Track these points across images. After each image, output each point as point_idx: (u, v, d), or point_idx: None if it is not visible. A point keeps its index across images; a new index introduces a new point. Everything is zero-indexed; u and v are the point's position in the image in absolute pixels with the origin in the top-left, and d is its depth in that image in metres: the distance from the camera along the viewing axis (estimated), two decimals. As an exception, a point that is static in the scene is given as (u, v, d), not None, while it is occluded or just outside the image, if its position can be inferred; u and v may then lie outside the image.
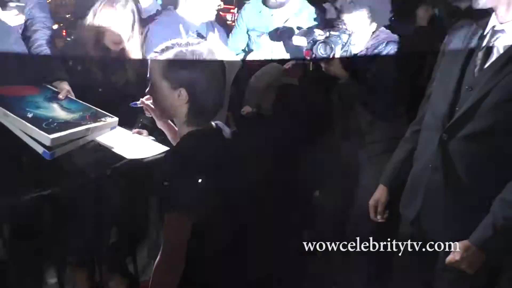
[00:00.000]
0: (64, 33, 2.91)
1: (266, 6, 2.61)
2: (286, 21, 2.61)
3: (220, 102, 1.34)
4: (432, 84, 1.69)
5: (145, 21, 2.39)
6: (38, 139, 1.47)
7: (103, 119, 1.77)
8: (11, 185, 1.64)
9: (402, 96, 2.15)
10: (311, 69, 2.19)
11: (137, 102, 1.51)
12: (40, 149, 1.48)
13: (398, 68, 2.10)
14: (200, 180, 1.21)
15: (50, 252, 2.25)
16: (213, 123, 1.40)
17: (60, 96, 1.75)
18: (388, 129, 2.18)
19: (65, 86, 1.91)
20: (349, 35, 2.08)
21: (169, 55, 1.25)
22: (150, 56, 1.30)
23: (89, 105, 1.77)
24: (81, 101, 1.83)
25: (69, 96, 1.85)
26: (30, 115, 1.54)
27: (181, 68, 1.25)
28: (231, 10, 4.94)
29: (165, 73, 1.25)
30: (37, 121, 1.53)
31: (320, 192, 2.54)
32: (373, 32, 2.17)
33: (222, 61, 1.30)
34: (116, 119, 1.78)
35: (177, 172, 1.22)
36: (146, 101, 1.41)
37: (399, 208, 1.81)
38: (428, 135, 1.65)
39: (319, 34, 2.10)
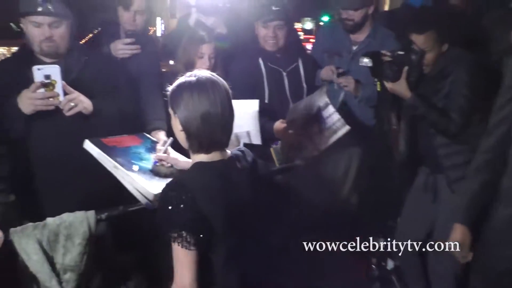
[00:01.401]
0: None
1: (343, 29, 2.69)
2: (360, 43, 2.69)
3: (220, 135, 1.35)
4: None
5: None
6: (143, 193, 1.59)
7: None
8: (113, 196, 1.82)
9: (477, 117, 2.05)
10: (378, 89, 2.19)
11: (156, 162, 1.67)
12: (143, 200, 1.62)
13: (472, 88, 2.03)
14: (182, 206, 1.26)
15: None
16: (228, 152, 1.42)
17: (159, 148, 1.84)
18: (467, 152, 2.02)
19: (162, 137, 2.06)
20: (419, 55, 2.07)
21: (175, 85, 1.37)
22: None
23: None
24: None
25: None
26: (136, 169, 1.68)
27: (176, 96, 1.35)
28: (311, 40, 5.08)
29: (169, 101, 1.38)
30: (142, 175, 1.65)
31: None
32: (444, 53, 2.12)
33: (226, 92, 1.36)
34: None
35: (177, 203, 1.27)
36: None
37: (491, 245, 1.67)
38: None
39: (386, 55, 2.13)
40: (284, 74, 2.52)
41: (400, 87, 2.09)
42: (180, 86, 1.35)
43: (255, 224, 1.47)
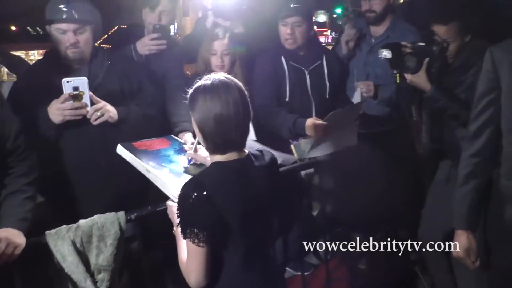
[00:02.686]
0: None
1: (366, 21, 2.72)
2: (378, 37, 2.69)
3: (234, 135, 1.37)
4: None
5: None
6: (174, 194, 1.58)
7: None
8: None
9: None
10: (398, 81, 2.17)
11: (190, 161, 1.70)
12: (176, 200, 1.60)
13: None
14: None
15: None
16: (246, 152, 1.44)
17: (186, 148, 1.87)
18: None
19: (189, 138, 2.10)
20: (441, 46, 2.03)
21: (192, 88, 1.41)
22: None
23: None
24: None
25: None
26: (166, 171, 1.69)
27: (192, 99, 1.39)
28: (324, 33, 5.07)
29: (188, 103, 1.42)
30: (173, 177, 1.65)
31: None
32: (467, 43, 2.08)
33: (240, 94, 1.38)
34: None
35: (192, 200, 1.31)
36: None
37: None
38: None
39: (406, 46, 2.10)
40: (307, 72, 2.50)
41: (420, 79, 2.07)
42: (196, 89, 1.40)
43: (272, 223, 1.49)
